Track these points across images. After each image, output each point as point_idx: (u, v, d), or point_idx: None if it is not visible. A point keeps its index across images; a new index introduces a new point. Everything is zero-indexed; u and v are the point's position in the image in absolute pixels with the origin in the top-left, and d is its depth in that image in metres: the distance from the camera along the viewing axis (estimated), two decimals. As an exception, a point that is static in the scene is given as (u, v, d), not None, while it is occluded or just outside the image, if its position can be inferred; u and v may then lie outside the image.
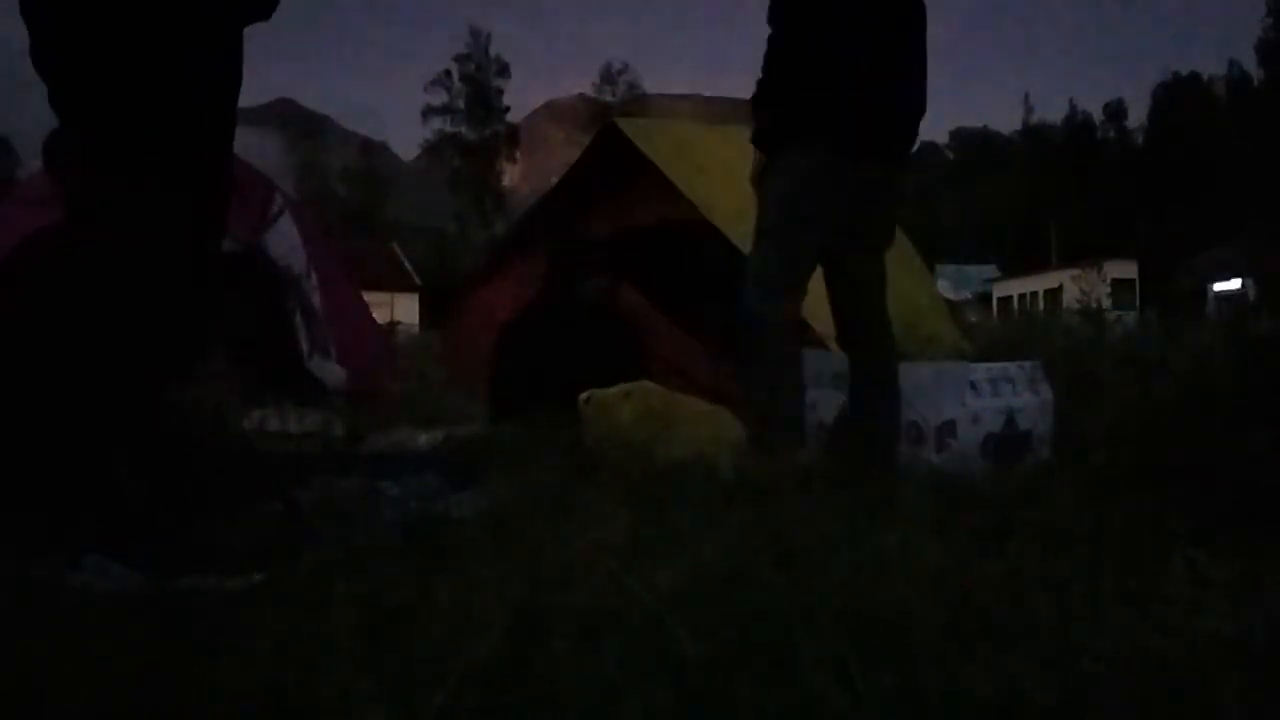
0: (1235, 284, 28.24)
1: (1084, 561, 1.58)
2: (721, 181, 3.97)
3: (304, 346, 4.30)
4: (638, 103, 59.86)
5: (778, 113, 2.59)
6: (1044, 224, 52.70)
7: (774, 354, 2.55)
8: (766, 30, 2.56)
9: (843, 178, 2.55)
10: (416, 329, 18.01)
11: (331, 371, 4.43)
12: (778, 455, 2.23)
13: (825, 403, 2.96)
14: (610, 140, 4.42)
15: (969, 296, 39.73)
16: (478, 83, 57.21)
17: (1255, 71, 54.04)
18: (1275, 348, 3.94)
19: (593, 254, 3.94)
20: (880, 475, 2.28)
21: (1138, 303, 28.17)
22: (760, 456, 2.31)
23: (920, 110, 2.70)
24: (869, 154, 2.58)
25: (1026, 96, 74.46)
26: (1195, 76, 65.09)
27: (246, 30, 1.92)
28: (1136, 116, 68.21)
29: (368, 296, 5.24)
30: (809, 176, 2.55)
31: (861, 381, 2.70)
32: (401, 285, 36.64)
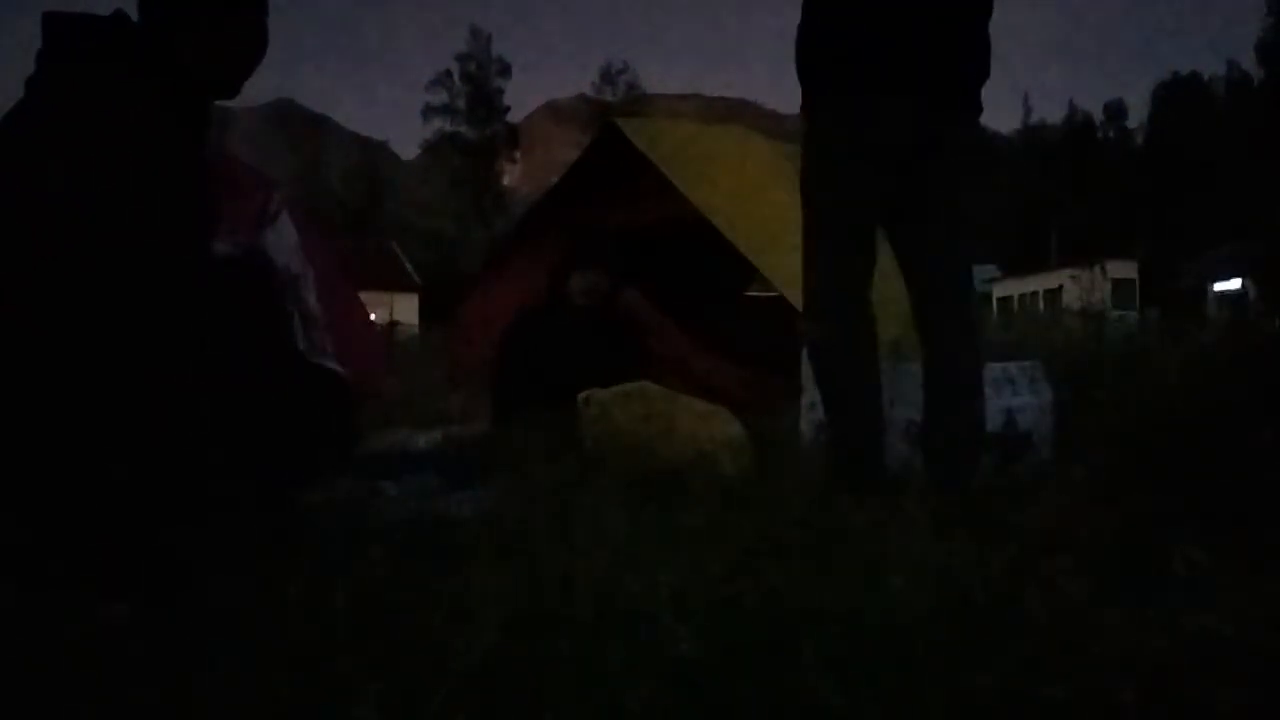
0: (1235, 284, 28.26)
1: (1084, 561, 1.58)
2: (721, 181, 3.97)
3: (302, 346, 4.28)
4: (638, 103, 59.87)
5: (808, 60, 2.36)
6: (1044, 224, 52.73)
7: (847, 378, 2.28)
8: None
9: (889, 121, 2.24)
10: (416, 329, 17.99)
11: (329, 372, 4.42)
12: (858, 499, 1.91)
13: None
14: (610, 140, 4.42)
15: (969, 296, 39.64)
16: (478, 83, 57.23)
17: (1255, 71, 54.05)
18: (1275, 348, 3.94)
19: (598, 254, 3.94)
20: (957, 488, 2.06)
21: (1138, 303, 28.17)
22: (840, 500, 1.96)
23: (983, 46, 2.37)
24: (915, 91, 2.25)
25: (1026, 96, 74.15)
26: (1195, 76, 65.12)
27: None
28: (1136, 116, 68.30)
29: (367, 296, 5.24)
30: (848, 121, 2.27)
31: (933, 382, 2.37)
32: (401, 285, 36.67)
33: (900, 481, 2.19)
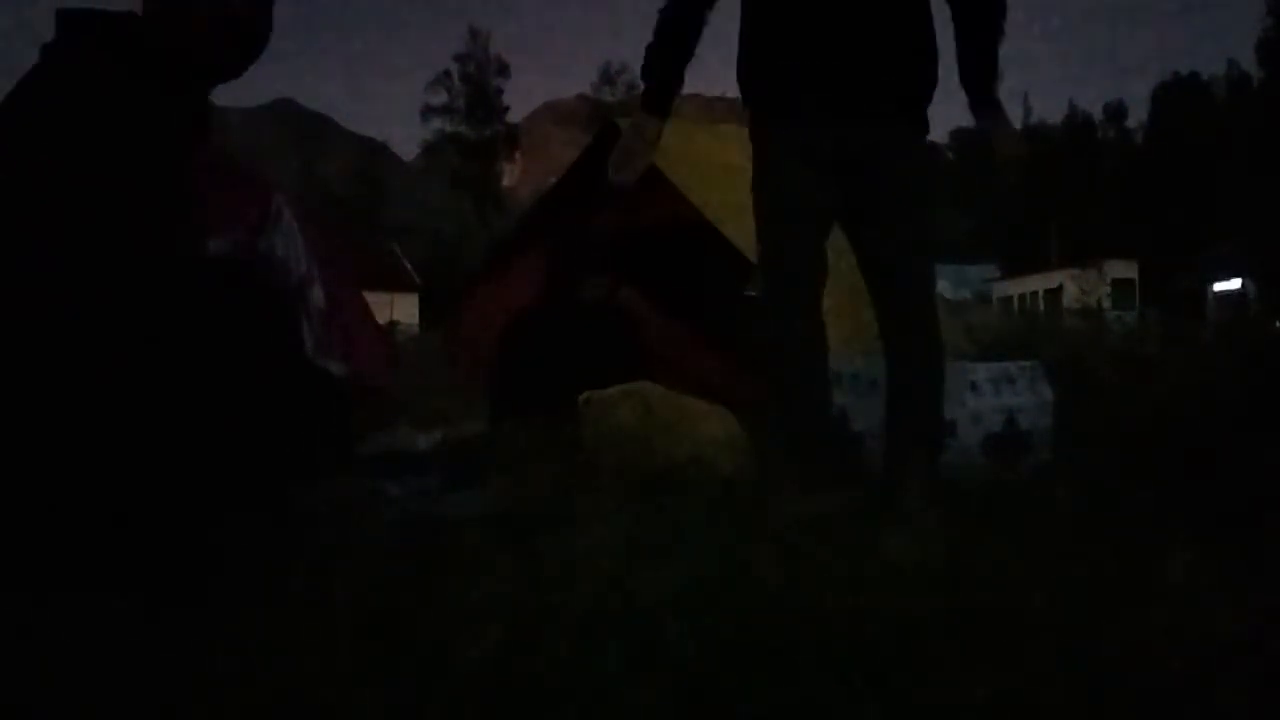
0: (1235, 284, 28.29)
1: (1083, 562, 1.58)
2: (721, 181, 3.97)
3: (309, 346, 4.29)
4: (638, 102, 59.76)
5: (742, 75, 2.48)
6: (1044, 224, 52.74)
7: (794, 378, 2.33)
8: None
9: (819, 141, 2.32)
10: (416, 329, 18.00)
11: (334, 371, 4.42)
12: (811, 487, 2.00)
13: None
14: (610, 140, 4.42)
15: (969, 297, 39.79)
16: (478, 83, 57.17)
17: (1255, 71, 54.02)
18: (1275, 348, 3.94)
19: (594, 254, 3.95)
20: (914, 487, 2.09)
21: (1138, 303, 28.18)
22: (794, 488, 2.06)
23: (922, 61, 2.40)
24: (844, 113, 2.31)
25: (1026, 96, 74.04)
26: (1195, 76, 65.10)
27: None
28: (1136, 116, 68.31)
29: (367, 296, 5.24)
30: (778, 147, 2.39)
31: (892, 380, 2.42)
32: (401, 285, 36.66)
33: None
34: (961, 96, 2.49)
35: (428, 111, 57.44)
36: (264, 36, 1.96)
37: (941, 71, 2.50)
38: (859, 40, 2.32)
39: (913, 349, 2.40)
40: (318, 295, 4.36)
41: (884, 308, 2.43)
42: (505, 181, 61.80)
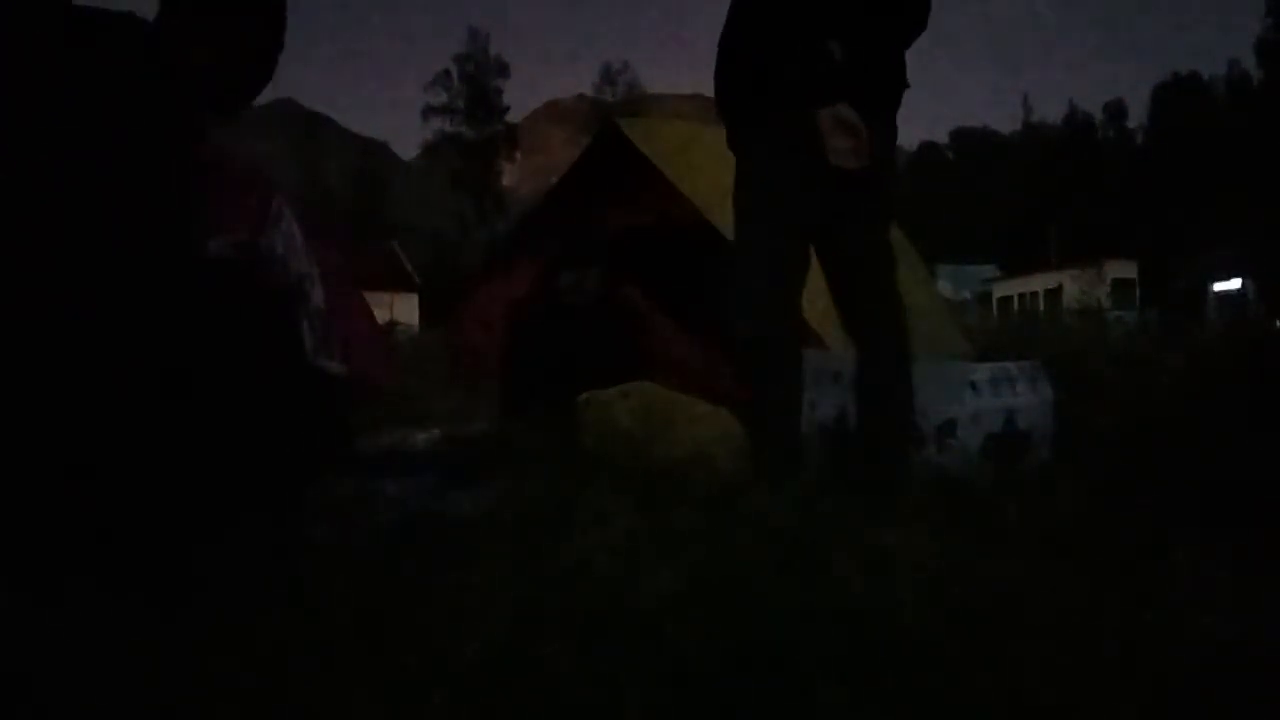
0: (1235, 284, 28.30)
1: (1083, 561, 1.58)
2: (721, 181, 3.97)
3: (307, 345, 4.28)
4: (638, 103, 59.84)
5: (730, 91, 2.53)
6: (1044, 224, 52.75)
7: (773, 377, 2.39)
8: None
9: (805, 143, 2.32)
10: (416, 329, 18.00)
11: (334, 371, 4.42)
12: (776, 479, 2.04)
13: (823, 402, 2.96)
14: (610, 140, 4.42)
15: (969, 296, 39.80)
16: (478, 83, 57.16)
17: (1255, 71, 54.03)
18: (1275, 348, 3.94)
19: (584, 253, 3.95)
20: (886, 479, 2.16)
21: (1138, 303, 28.18)
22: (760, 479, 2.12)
23: (897, 69, 2.47)
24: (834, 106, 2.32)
25: (1026, 97, 74.22)
26: (1195, 76, 65.10)
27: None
28: (1136, 116, 68.34)
29: (367, 296, 5.25)
30: (770, 145, 2.42)
31: (864, 373, 2.47)
32: (401, 285, 36.66)
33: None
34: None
35: (428, 112, 57.45)
36: (266, 75, 1.97)
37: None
38: (855, 51, 2.34)
39: (881, 348, 2.46)
40: (318, 295, 4.36)
41: (857, 307, 2.49)
42: (505, 181, 61.76)
